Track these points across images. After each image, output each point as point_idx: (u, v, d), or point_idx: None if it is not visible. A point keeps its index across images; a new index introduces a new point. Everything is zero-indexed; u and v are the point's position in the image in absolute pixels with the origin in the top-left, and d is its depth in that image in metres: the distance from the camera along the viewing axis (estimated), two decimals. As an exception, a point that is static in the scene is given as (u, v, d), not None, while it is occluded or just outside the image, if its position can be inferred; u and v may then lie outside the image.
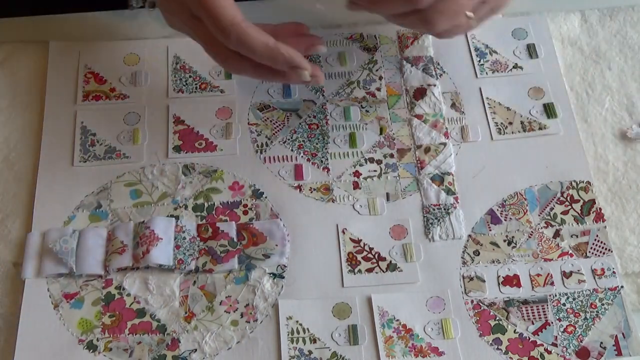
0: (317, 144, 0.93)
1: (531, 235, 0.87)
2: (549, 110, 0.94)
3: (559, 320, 0.82)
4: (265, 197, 0.90)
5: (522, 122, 0.94)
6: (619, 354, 0.80)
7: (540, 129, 0.93)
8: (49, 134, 0.94)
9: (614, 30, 1.01)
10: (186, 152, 0.93)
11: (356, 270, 0.85)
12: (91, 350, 0.81)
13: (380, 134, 0.94)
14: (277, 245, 0.87)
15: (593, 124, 0.95)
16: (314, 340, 0.82)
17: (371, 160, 0.92)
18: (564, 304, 0.83)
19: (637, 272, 0.85)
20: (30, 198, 0.90)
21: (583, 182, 0.90)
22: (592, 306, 0.82)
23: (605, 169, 0.92)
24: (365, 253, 0.86)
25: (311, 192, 0.90)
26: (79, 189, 0.90)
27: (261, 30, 0.80)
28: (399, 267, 0.85)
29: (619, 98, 0.97)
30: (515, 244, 0.86)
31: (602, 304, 0.82)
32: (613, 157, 0.93)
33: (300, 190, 0.90)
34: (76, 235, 0.86)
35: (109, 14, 1.04)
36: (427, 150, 0.92)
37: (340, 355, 0.81)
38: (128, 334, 0.82)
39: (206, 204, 0.89)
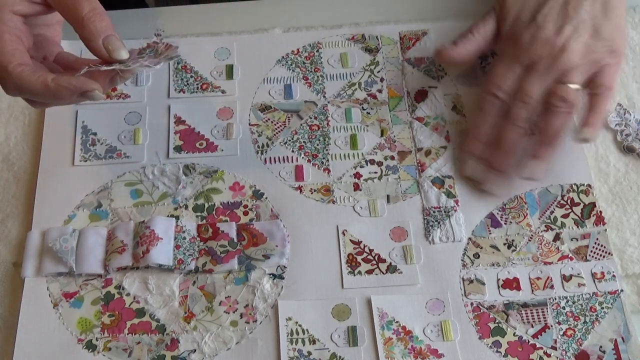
0: (317, 145, 0.93)
1: (531, 238, 0.87)
2: (550, 114, 0.94)
3: (559, 323, 0.82)
4: (266, 198, 0.90)
5: (523, 125, 0.94)
6: (619, 358, 0.80)
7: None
8: (50, 133, 0.94)
9: (616, 32, 1.01)
10: (187, 152, 0.93)
11: (356, 271, 0.85)
12: (90, 350, 0.81)
13: (381, 135, 0.94)
14: (277, 246, 0.86)
15: (594, 125, 0.95)
16: (313, 342, 0.82)
17: (372, 162, 0.92)
18: (563, 308, 0.83)
19: (638, 273, 0.85)
20: (31, 198, 0.90)
21: (583, 185, 0.90)
22: (592, 310, 0.82)
23: (606, 170, 0.92)
24: (365, 255, 0.86)
25: (312, 193, 0.90)
26: (79, 188, 0.90)
27: (37, 70, 0.76)
28: (399, 269, 0.85)
29: (620, 99, 0.96)
30: (515, 247, 0.86)
31: (602, 308, 0.82)
32: (614, 159, 0.93)
33: (301, 191, 0.90)
34: (76, 234, 0.86)
35: (109, 14, 1.04)
36: (427, 153, 0.92)
37: (340, 357, 0.81)
38: (127, 334, 0.82)
39: (206, 204, 0.89)
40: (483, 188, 0.90)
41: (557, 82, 0.86)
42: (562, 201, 0.89)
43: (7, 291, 0.85)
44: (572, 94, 0.85)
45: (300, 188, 0.90)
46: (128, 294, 0.84)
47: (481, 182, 0.90)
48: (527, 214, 0.88)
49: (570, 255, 0.86)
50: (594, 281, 0.84)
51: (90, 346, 0.82)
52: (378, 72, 0.99)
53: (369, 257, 0.86)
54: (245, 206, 0.89)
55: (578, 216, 0.88)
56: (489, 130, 0.89)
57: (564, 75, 0.86)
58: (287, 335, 0.82)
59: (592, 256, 0.85)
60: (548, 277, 0.84)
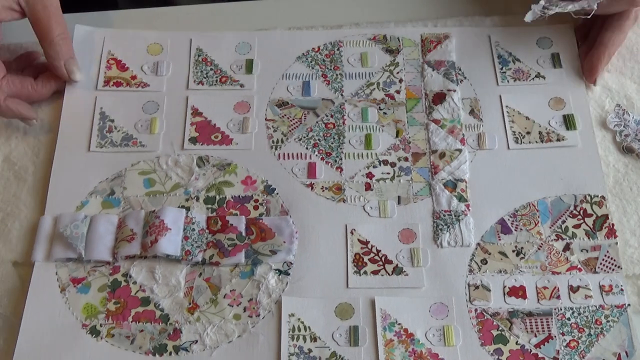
0: (332, 143, 0.93)
1: (541, 247, 0.86)
2: (569, 122, 0.93)
3: (563, 334, 0.81)
4: (277, 194, 0.90)
5: (540, 133, 0.93)
6: (621, 372, 0.79)
7: (558, 140, 0.92)
8: (68, 118, 0.95)
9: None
10: (202, 144, 0.93)
11: (362, 271, 0.85)
12: (94, 335, 0.82)
13: (397, 136, 0.93)
14: (284, 242, 0.86)
15: (593, 125, 0.94)
16: (314, 339, 0.81)
17: (385, 162, 0.92)
18: (568, 319, 0.81)
19: (638, 274, 0.84)
20: (31, 197, 0.91)
21: (597, 196, 0.88)
22: (597, 322, 0.81)
23: (605, 171, 0.91)
24: (372, 255, 0.86)
25: (323, 191, 0.90)
26: (93, 175, 0.91)
27: None
28: (404, 271, 0.85)
29: (619, 100, 0.95)
30: (524, 255, 0.85)
31: (608, 321, 0.81)
32: (613, 159, 0.92)
33: (312, 188, 0.90)
34: (87, 221, 0.87)
35: (130, 12, 1.07)
36: (442, 155, 0.92)
37: (340, 356, 0.80)
38: (131, 322, 0.83)
39: (218, 197, 0.90)
40: None
41: None
42: (574, 211, 0.88)
43: (8, 291, 0.86)
44: None
45: (311, 185, 0.90)
46: (134, 283, 0.85)
47: None
48: (538, 222, 0.87)
49: (579, 266, 0.84)
50: (602, 294, 0.83)
51: (94, 332, 0.82)
52: (397, 73, 0.98)
53: (376, 257, 0.86)
54: (256, 200, 0.89)
55: (590, 227, 0.87)
56: None
57: None
58: (289, 332, 0.82)
59: (602, 269, 0.84)
60: (555, 287, 0.83)
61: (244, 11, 1.06)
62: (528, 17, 0.91)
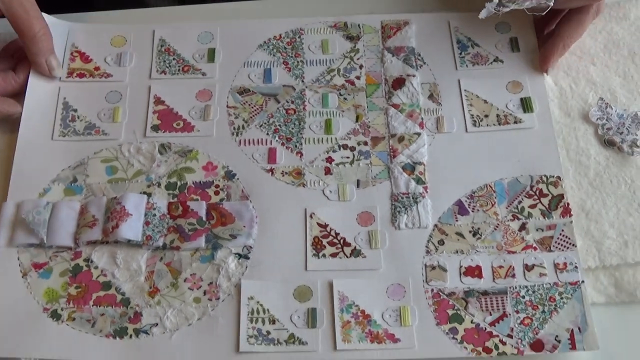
0: (292, 128, 0.94)
1: (497, 227, 0.86)
2: (526, 105, 0.94)
3: (517, 312, 0.81)
4: (237, 179, 0.91)
5: (498, 115, 0.93)
6: (573, 347, 0.79)
7: (515, 122, 0.93)
8: (31, 108, 0.95)
9: (599, 26, 1.00)
10: (164, 132, 0.94)
11: (320, 254, 0.86)
12: (55, 319, 0.83)
13: (356, 121, 0.94)
14: (244, 226, 0.87)
15: (576, 118, 0.95)
16: (273, 321, 0.82)
17: (345, 146, 0.92)
18: (523, 297, 0.82)
19: (615, 265, 0.85)
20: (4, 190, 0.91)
21: (553, 176, 0.89)
22: (551, 299, 0.82)
23: (586, 163, 0.91)
24: (330, 238, 0.87)
25: (283, 175, 0.91)
26: (56, 163, 0.92)
27: None
28: (362, 254, 0.86)
29: (602, 93, 0.96)
30: (481, 235, 0.86)
31: (562, 298, 0.82)
32: (595, 152, 0.92)
33: (272, 173, 0.91)
34: (49, 207, 0.87)
35: (108, 14, 1.08)
36: (401, 139, 0.92)
37: (298, 338, 0.81)
38: (92, 305, 0.83)
39: (179, 183, 0.90)
40: None
41: None
42: (530, 191, 0.88)
43: None
44: None
45: (272, 170, 0.91)
46: (96, 267, 0.86)
47: None
48: (495, 203, 0.88)
49: (535, 245, 0.85)
50: (556, 272, 0.83)
51: (55, 315, 0.83)
52: (358, 59, 0.99)
53: (334, 240, 0.86)
54: (217, 186, 0.90)
55: (545, 207, 0.87)
56: None
57: None
58: (248, 314, 0.82)
59: (556, 247, 0.85)
60: (510, 266, 0.84)
61: (239, 11, 1.07)
62: (482, 15, 0.91)
